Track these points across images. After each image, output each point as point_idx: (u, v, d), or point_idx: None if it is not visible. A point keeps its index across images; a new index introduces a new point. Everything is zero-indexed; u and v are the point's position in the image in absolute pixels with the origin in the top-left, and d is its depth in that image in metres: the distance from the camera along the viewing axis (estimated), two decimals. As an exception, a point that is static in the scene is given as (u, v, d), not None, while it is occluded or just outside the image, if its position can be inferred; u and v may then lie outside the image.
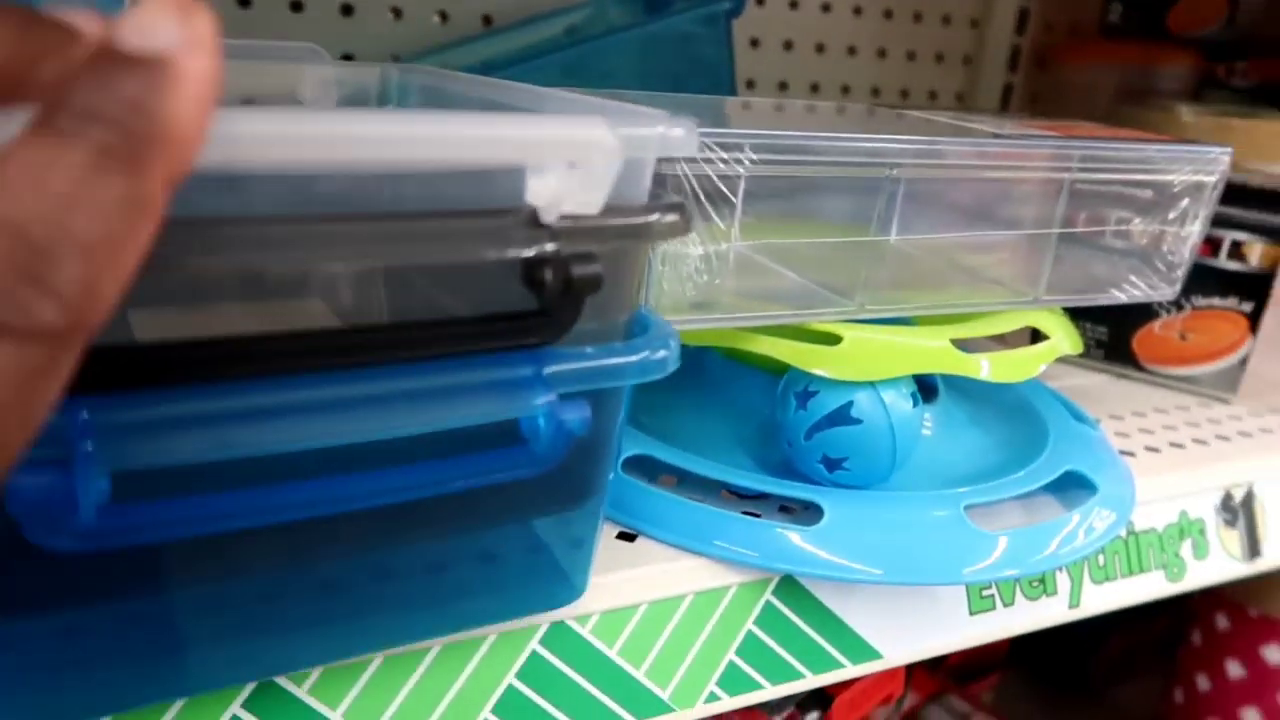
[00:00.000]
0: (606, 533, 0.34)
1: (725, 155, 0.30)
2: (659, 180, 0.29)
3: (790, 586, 0.34)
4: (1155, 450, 0.45)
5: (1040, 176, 0.37)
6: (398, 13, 0.67)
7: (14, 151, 0.14)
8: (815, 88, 0.84)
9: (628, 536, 0.34)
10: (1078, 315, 0.53)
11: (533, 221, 0.23)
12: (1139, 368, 0.52)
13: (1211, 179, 0.40)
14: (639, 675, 0.32)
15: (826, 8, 0.81)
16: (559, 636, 0.30)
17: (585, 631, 0.31)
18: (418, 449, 0.25)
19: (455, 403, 0.23)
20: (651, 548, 0.33)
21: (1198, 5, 0.73)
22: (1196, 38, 0.75)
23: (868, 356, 0.33)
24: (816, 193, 0.35)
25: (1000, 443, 0.41)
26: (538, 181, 0.23)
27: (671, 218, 0.25)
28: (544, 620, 0.30)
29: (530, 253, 0.23)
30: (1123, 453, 0.44)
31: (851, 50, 0.84)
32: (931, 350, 0.34)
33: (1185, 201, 0.40)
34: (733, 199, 0.31)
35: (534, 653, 0.30)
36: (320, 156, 0.20)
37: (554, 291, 0.23)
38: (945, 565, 0.34)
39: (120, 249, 0.15)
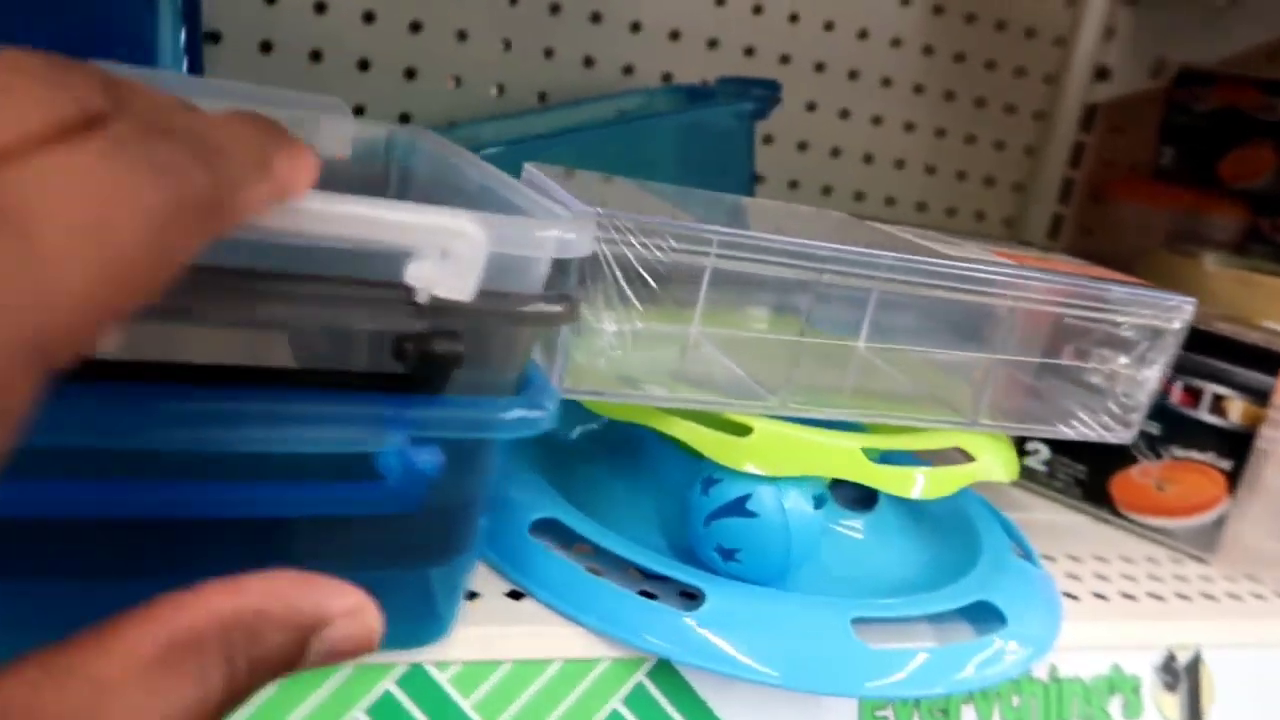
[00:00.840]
0: (496, 588, 0.35)
1: (645, 240, 0.32)
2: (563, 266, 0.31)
3: (667, 671, 0.34)
4: (1103, 597, 0.43)
5: (979, 301, 0.37)
6: (458, 80, 0.72)
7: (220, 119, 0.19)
8: (860, 196, 0.85)
9: (517, 595, 0.35)
10: (1058, 450, 0.52)
11: (403, 300, 0.24)
12: (1116, 512, 0.51)
13: (1172, 326, 0.39)
14: (492, 732, 0.32)
15: (878, 120, 0.83)
16: (416, 680, 0.31)
17: (443, 679, 0.31)
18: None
19: (313, 429, 0.25)
20: (536, 610, 0.34)
21: (1247, 158, 0.72)
22: (1245, 190, 0.74)
23: (771, 451, 0.34)
24: (756, 288, 0.36)
25: (926, 562, 0.40)
26: (416, 266, 0.24)
27: (553, 308, 0.27)
28: (404, 660, 0.31)
29: (396, 327, 0.25)
30: (1066, 594, 0.43)
31: (900, 164, 0.85)
32: (839, 453, 0.34)
33: (1143, 345, 0.40)
34: (650, 284, 0.32)
35: (387, 692, 0.31)
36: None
37: (413, 362, 0.25)
38: (830, 675, 0.33)
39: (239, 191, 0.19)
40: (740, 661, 0.33)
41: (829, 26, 0.79)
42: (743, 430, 0.34)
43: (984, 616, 0.37)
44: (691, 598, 0.36)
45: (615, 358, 0.33)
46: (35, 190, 0.15)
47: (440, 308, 0.24)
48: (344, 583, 0.20)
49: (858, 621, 0.34)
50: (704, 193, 0.46)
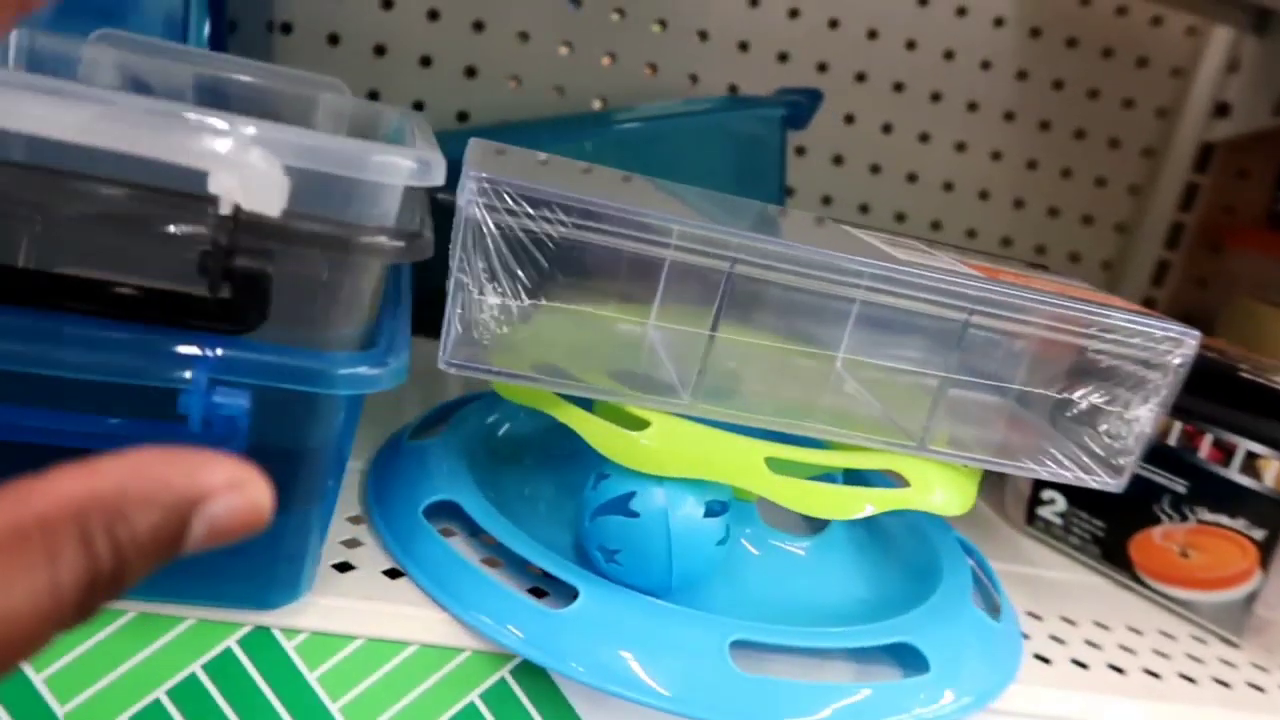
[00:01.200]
0: (377, 564, 0.34)
1: (533, 211, 0.30)
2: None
3: (533, 670, 0.32)
4: (1082, 665, 0.38)
5: (932, 314, 0.33)
6: (519, 81, 0.72)
7: None
8: (936, 225, 0.80)
9: (396, 574, 0.33)
10: (1075, 501, 0.47)
11: (203, 209, 0.24)
12: (1136, 578, 0.45)
13: (1170, 361, 0.35)
14: (333, 709, 0.31)
15: (961, 146, 0.78)
16: (259, 642, 0.30)
17: (289, 646, 0.30)
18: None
19: (105, 356, 0.24)
20: (407, 591, 0.33)
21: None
22: (1370, 242, 0.65)
23: (661, 449, 0.31)
24: (677, 277, 0.34)
25: (863, 596, 0.37)
26: (220, 176, 0.23)
27: (383, 240, 0.26)
28: (249, 621, 0.30)
29: (200, 237, 0.24)
30: (1037, 656, 0.38)
31: (984, 194, 0.80)
32: (736, 459, 0.31)
33: (1132, 379, 0.35)
34: (540, 259, 0.31)
35: (228, 650, 0.30)
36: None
37: (216, 279, 0.24)
38: (705, 701, 0.30)
39: None
40: (609, 670, 0.30)
41: (910, 45, 0.75)
42: (640, 425, 0.32)
43: (911, 660, 0.33)
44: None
45: (500, 336, 0.32)
46: None
47: (248, 223, 0.24)
48: (221, 453, 0.18)
49: (738, 645, 0.31)
50: (702, 191, 0.44)
